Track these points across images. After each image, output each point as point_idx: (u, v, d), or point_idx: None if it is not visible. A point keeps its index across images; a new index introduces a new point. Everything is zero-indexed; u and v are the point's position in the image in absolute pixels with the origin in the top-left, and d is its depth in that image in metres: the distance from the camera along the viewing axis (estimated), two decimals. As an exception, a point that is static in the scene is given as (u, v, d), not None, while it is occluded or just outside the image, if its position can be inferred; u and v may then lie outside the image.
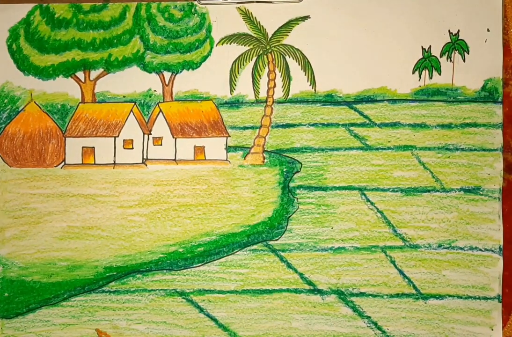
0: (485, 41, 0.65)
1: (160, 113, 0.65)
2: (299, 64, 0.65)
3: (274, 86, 0.65)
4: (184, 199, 0.64)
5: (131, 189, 0.65)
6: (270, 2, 0.65)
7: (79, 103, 0.65)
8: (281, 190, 0.65)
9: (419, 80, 0.65)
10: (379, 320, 0.64)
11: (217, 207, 0.64)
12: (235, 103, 0.65)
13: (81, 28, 0.65)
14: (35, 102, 0.65)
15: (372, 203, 0.64)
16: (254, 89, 0.65)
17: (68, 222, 0.64)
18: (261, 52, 0.65)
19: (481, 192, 0.64)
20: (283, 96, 0.65)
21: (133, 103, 0.65)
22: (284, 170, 0.65)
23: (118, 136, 0.65)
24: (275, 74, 0.65)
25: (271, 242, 0.64)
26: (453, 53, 0.65)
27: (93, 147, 0.65)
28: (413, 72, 0.65)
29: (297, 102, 0.65)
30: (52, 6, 0.65)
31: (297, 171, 0.65)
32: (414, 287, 0.64)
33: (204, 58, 0.65)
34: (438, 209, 0.64)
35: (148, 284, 0.64)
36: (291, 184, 0.65)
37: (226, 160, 0.65)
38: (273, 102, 0.65)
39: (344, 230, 0.64)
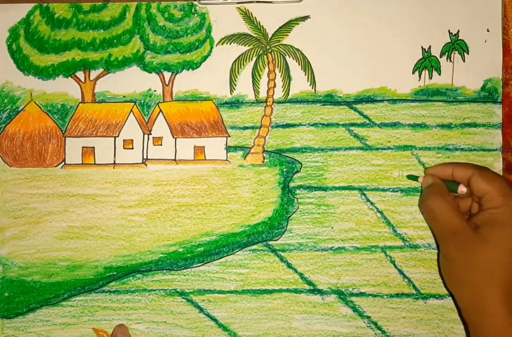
0: (485, 41, 0.65)
1: (160, 113, 0.65)
2: (299, 64, 0.65)
3: (274, 86, 0.65)
4: (184, 199, 0.64)
5: (131, 189, 0.65)
6: (270, 2, 0.65)
7: (79, 103, 0.65)
8: (281, 190, 0.65)
9: (419, 80, 0.65)
10: (379, 320, 0.64)
11: (217, 207, 0.64)
12: (235, 103, 0.65)
13: (81, 28, 0.65)
14: (35, 102, 0.65)
15: (372, 203, 0.64)
16: (254, 89, 0.65)
17: (68, 222, 0.64)
18: (261, 52, 0.65)
19: (481, 192, 0.64)
20: (283, 96, 0.65)
21: (133, 103, 0.65)
22: (284, 170, 0.65)
23: (118, 136, 0.65)
24: (275, 74, 0.65)
25: (271, 242, 0.64)
26: (453, 53, 0.65)
27: (93, 147, 0.65)
28: (413, 72, 0.65)
29: (297, 102, 0.65)
30: (52, 6, 0.65)
31: (297, 171, 0.65)
32: (414, 287, 0.64)
33: (204, 58, 0.65)
34: (438, 209, 0.64)
35: (148, 284, 0.64)
36: (291, 184, 0.65)
37: (226, 160, 0.65)
38: (273, 102, 0.65)
39: (344, 230, 0.64)
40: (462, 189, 0.58)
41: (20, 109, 0.65)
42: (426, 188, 0.60)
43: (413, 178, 0.63)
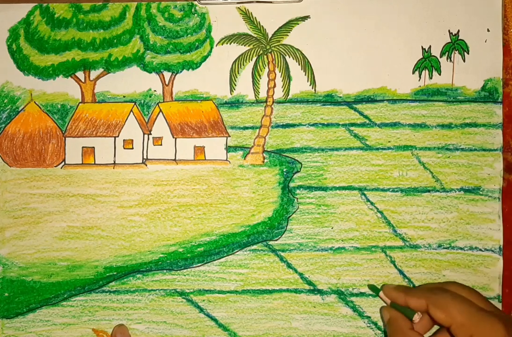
0: (485, 41, 0.65)
1: (160, 113, 0.65)
2: (299, 64, 0.65)
3: (274, 86, 0.65)
4: (184, 199, 0.64)
5: (131, 189, 0.65)
6: (270, 2, 0.65)
7: (79, 103, 0.65)
8: (281, 190, 0.65)
9: (419, 80, 0.65)
10: (379, 320, 0.64)
11: (217, 207, 0.64)
12: (235, 103, 0.65)
13: (81, 28, 0.65)
14: (35, 102, 0.65)
15: (372, 203, 0.64)
16: (254, 89, 0.65)
17: (68, 222, 0.64)
18: (261, 52, 0.65)
19: (481, 192, 0.64)
20: (283, 96, 0.65)
21: (133, 103, 0.65)
22: (284, 170, 0.65)
23: (118, 136, 0.65)
24: (275, 74, 0.65)
25: (271, 242, 0.64)
26: (453, 53, 0.65)
27: (93, 147, 0.65)
28: (413, 72, 0.65)
29: (297, 102, 0.65)
30: (52, 6, 0.65)
31: (297, 171, 0.65)
32: (414, 287, 0.64)
33: (204, 58, 0.65)
34: (438, 209, 0.64)
35: (148, 284, 0.64)
36: (291, 184, 0.65)
37: (226, 160, 0.65)
38: (273, 102, 0.65)
39: (344, 230, 0.64)
40: (416, 319, 0.56)
41: (20, 109, 0.65)
42: (388, 325, 0.58)
43: (374, 289, 0.62)
